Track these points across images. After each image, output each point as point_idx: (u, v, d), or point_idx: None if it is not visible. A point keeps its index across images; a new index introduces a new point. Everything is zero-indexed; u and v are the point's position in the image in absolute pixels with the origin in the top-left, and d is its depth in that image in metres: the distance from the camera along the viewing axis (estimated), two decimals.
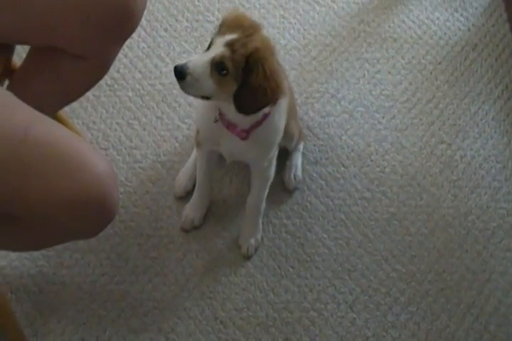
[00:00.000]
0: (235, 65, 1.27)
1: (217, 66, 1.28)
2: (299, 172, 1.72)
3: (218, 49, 1.28)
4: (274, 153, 1.53)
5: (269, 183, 1.59)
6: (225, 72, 1.27)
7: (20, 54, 1.55)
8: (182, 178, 1.68)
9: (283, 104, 1.42)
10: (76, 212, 1.10)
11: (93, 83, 1.42)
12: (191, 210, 1.63)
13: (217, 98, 1.35)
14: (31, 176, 1.07)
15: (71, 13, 1.23)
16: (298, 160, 1.72)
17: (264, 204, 1.61)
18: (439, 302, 1.57)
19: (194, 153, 1.69)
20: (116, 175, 1.17)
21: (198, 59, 1.29)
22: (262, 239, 1.63)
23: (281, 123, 1.45)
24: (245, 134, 1.41)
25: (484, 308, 1.56)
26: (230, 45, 1.27)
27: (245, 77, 1.28)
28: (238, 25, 1.30)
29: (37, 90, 1.35)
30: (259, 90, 1.28)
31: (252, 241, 1.61)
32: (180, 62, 1.30)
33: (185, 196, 1.66)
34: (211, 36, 1.33)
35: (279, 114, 1.42)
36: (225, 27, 1.31)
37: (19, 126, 1.09)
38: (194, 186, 1.65)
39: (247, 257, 1.61)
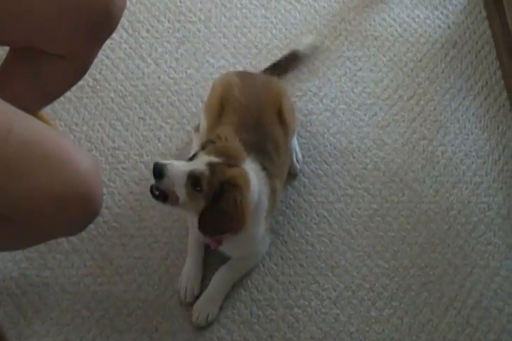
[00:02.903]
0: (209, 186, 1.32)
1: (193, 181, 1.32)
2: (300, 155, 1.73)
3: (200, 165, 1.33)
4: (266, 239, 1.54)
5: (254, 263, 1.57)
6: (198, 188, 1.32)
7: (0, 56, 1.55)
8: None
9: (260, 213, 1.44)
10: (60, 209, 1.10)
11: (73, 83, 1.42)
12: (188, 282, 1.53)
13: (184, 208, 1.40)
14: (15, 174, 1.08)
15: (50, 14, 1.23)
16: (295, 143, 1.73)
17: (230, 286, 1.54)
18: (422, 297, 1.58)
19: (190, 253, 1.57)
20: (99, 171, 1.18)
21: (178, 166, 1.34)
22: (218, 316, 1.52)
23: (260, 231, 1.48)
24: (216, 243, 1.46)
25: (466, 302, 1.57)
26: (211, 166, 1.33)
27: (216, 199, 1.32)
28: (225, 153, 1.36)
29: (17, 90, 1.35)
30: (224, 216, 1.32)
31: (205, 312, 1.49)
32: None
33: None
34: (198, 149, 1.41)
35: (258, 223, 1.45)
36: (212, 148, 1.37)
37: (2, 125, 1.09)
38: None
39: (194, 326, 1.49)
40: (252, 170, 1.40)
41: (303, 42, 1.87)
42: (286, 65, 1.85)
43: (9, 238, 1.28)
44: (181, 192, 1.34)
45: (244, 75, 1.64)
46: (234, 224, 1.34)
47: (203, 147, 1.40)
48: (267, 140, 1.52)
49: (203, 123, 1.63)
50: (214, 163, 1.33)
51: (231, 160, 1.35)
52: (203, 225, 1.36)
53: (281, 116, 1.57)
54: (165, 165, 1.33)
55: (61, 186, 1.09)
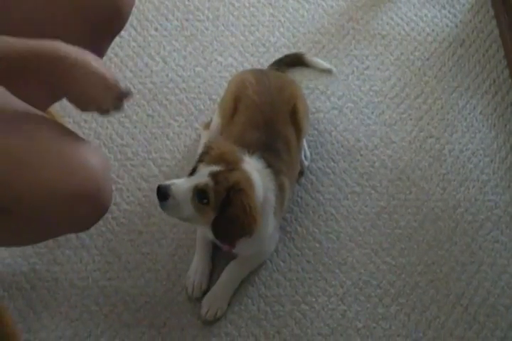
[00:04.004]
0: (216, 196, 1.33)
1: (199, 194, 1.33)
2: (308, 153, 1.74)
3: (202, 178, 1.34)
4: (275, 236, 1.55)
5: (263, 260, 1.58)
6: (205, 201, 1.33)
7: None
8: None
9: (268, 210, 1.45)
10: (69, 205, 1.10)
11: None
12: (196, 277, 1.54)
13: (195, 223, 1.41)
14: (24, 170, 1.08)
15: (59, 11, 1.24)
16: (303, 141, 1.73)
17: (239, 282, 1.55)
18: (429, 294, 1.58)
19: (198, 249, 1.58)
20: (109, 167, 1.18)
21: (181, 183, 1.35)
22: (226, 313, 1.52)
23: (269, 228, 1.47)
24: (229, 247, 1.47)
25: (473, 299, 1.58)
26: (214, 175, 1.33)
27: (224, 207, 1.33)
28: (222, 159, 1.36)
29: (25, 88, 1.36)
30: (236, 222, 1.33)
31: (215, 308, 1.50)
32: (163, 182, 1.36)
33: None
34: (194, 162, 1.42)
35: (266, 220, 1.45)
36: (209, 157, 1.38)
37: (12, 120, 1.10)
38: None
39: (203, 321, 1.50)
40: (254, 168, 1.41)
41: (313, 57, 1.91)
42: (287, 62, 1.87)
43: (19, 233, 1.28)
44: (189, 208, 1.35)
45: (259, 75, 1.64)
46: (247, 228, 1.35)
47: (200, 160, 1.40)
48: (277, 138, 1.53)
49: (217, 121, 1.65)
50: (216, 172, 1.34)
51: (230, 165, 1.36)
52: (218, 234, 1.38)
53: (294, 117, 1.58)
54: (168, 186, 1.34)
55: (70, 182, 1.09)
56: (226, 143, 1.44)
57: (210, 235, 1.42)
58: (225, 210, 1.33)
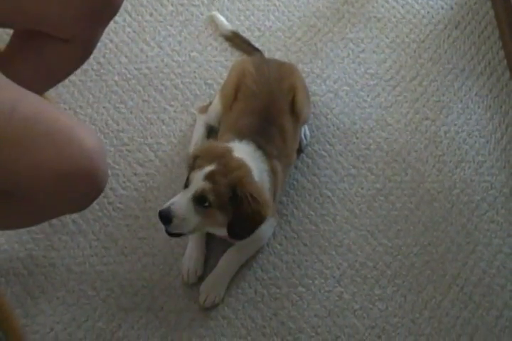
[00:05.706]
0: (217, 196, 1.33)
1: (199, 200, 1.33)
2: (307, 132, 1.75)
3: (198, 183, 1.33)
4: (271, 221, 1.54)
5: (261, 245, 1.58)
6: (206, 204, 1.33)
7: (4, 41, 1.56)
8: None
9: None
10: (65, 186, 1.11)
11: (77, 66, 1.43)
12: (191, 263, 1.54)
13: (205, 228, 1.40)
14: (19, 151, 1.09)
15: None
16: None
17: (237, 268, 1.55)
18: (425, 274, 1.58)
19: (192, 235, 1.55)
20: (104, 148, 1.18)
21: (179, 199, 1.33)
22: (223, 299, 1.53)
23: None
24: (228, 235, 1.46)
25: (469, 279, 1.58)
26: (209, 177, 1.33)
27: (235, 206, 1.34)
28: (213, 156, 1.36)
29: (21, 73, 1.36)
30: (254, 216, 1.35)
31: (213, 295, 1.50)
32: (162, 204, 1.35)
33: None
34: (187, 172, 1.40)
35: None
36: (200, 160, 1.37)
37: (6, 103, 1.10)
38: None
39: (202, 307, 1.51)
40: (245, 153, 1.43)
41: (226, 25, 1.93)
42: (241, 45, 1.90)
43: (17, 214, 1.29)
44: (195, 218, 1.35)
45: (259, 64, 1.65)
46: (263, 216, 1.37)
47: (191, 168, 1.39)
48: (271, 124, 1.54)
49: (218, 108, 1.66)
50: (212, 172, 1.35)
51: (223, 159, 1.37)
52: (236, 233, 1.40)
53: (293, 108, 1.60)
54: (168, 208, 1.33)
55: (65, 162, 1.09)
56: (210, 142, 1.45)
57: (221, 233, 1.44)
58: (239, 208, 1.34)
